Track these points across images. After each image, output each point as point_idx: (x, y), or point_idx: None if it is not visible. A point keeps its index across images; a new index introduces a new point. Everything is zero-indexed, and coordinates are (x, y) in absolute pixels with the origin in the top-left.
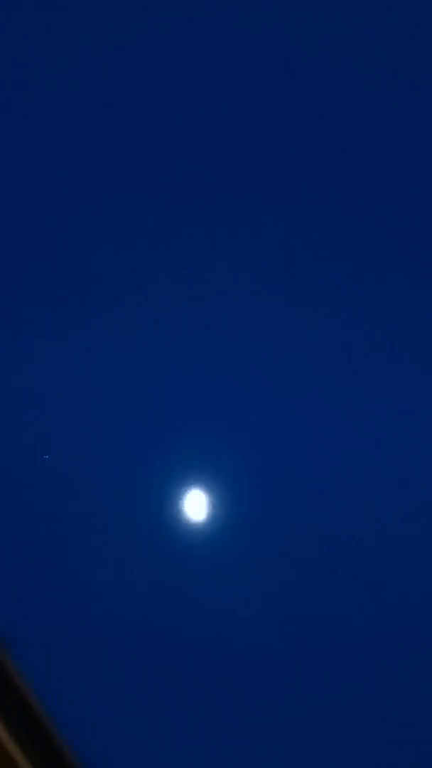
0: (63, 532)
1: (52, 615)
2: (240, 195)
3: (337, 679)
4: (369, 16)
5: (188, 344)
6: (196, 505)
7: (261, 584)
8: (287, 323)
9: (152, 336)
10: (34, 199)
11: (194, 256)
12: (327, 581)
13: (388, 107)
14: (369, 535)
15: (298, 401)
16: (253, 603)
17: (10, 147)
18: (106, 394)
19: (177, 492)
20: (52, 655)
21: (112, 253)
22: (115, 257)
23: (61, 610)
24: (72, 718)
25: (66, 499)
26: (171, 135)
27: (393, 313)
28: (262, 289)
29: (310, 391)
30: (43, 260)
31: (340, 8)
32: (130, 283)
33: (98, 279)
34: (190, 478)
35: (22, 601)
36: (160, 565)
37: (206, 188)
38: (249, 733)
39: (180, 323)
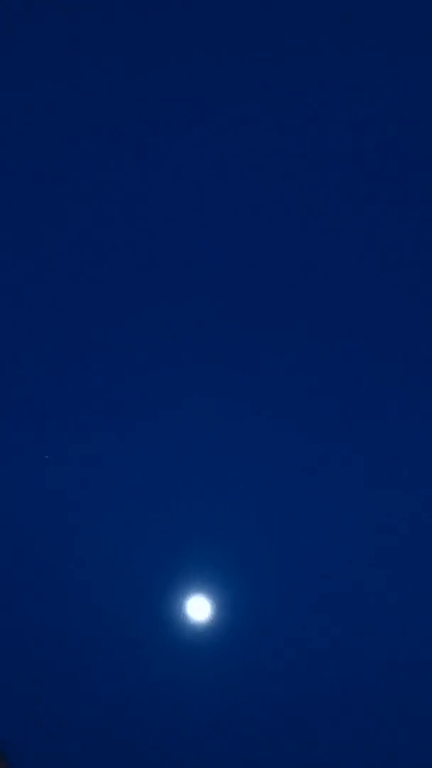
0: (67, 634)
1: (51, 717)
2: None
3: None
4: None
5: (193, 453)
6: (198, 608)
7: (261, 683)
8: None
9: (157, 449)
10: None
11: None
12: (326, 683)
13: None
14: (375, 651)
15: (299, 516)
16: (253, 700)
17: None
18: (109, 505)
19: (180, 596)
20: (50, 761)
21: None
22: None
23: (61, 712)
24: None
25: (72, 604)
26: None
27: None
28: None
29: (314, 503)
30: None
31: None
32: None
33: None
34: (192, 584)
35: (19, 708)
36: (165, 661)
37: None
38: None
39: (183, 435)
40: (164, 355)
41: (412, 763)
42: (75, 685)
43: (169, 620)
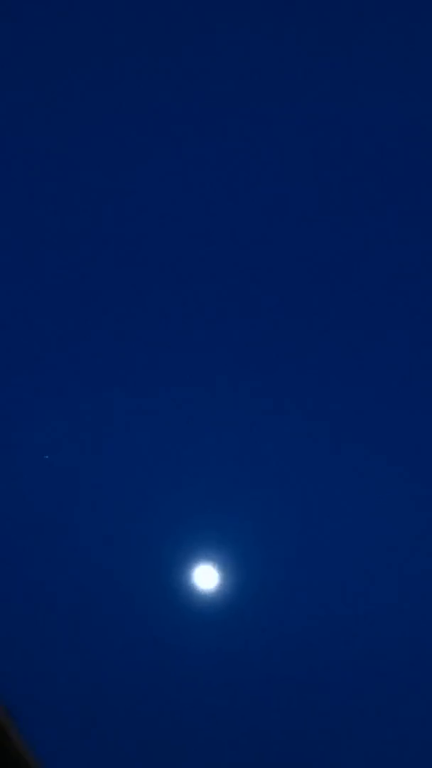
0: (78, 603)
1: (60, 685)
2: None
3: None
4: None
5: (202, 424)
6: (205, 577)
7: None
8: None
9: (166, 414)
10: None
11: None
12: (331, 650)
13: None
14: (380, 621)
15: (311, 485)
16: (258, 663)
17: None
18: (118, 475)
19: (187, 566)
20: (60, 730)
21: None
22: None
23: (71, 680)
24: None
25: (82, 574)
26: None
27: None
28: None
29: (324, 471)
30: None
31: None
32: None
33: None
34: (200, 554)
35: (32, 676)
36: (172, 627)
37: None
38: None
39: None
40: (189, 316)
41: (417, 720)
42: (85, 653)
43: (177, 589)
